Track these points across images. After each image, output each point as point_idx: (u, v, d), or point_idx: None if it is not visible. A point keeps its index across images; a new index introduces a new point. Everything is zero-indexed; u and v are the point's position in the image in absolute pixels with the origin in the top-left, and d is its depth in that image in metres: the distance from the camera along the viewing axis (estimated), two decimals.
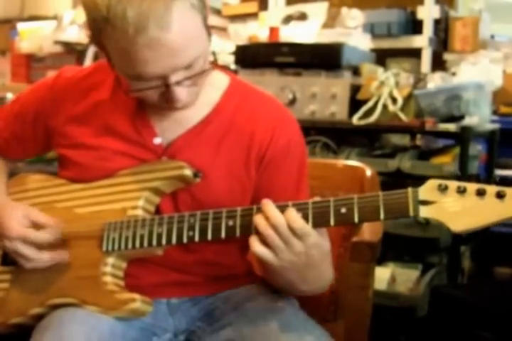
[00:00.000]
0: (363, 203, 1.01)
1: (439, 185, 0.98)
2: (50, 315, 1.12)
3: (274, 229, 1.02)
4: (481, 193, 0.95)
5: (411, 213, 0.98)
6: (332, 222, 1.02)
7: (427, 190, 0.99)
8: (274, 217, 1.02)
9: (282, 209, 1.03)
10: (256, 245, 1.03)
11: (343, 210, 1.01)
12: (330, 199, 1.03)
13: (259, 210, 1.05)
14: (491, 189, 0.95)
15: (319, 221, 1.03)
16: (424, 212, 0.98)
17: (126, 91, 1.12)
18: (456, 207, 0.96)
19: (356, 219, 1.01)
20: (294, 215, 1.02)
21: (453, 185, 0.97)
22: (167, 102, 1.11)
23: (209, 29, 1.09)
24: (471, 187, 0.96)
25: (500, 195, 0.94)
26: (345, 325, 1.40)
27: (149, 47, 1.00)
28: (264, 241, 1.03)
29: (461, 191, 0.96)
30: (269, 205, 1.04)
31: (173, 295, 1.24)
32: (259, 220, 1.03)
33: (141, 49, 1.00)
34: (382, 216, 0.99)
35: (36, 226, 1.20)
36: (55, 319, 1.10)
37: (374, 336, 1.43)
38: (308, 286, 1.14)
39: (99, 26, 1.02)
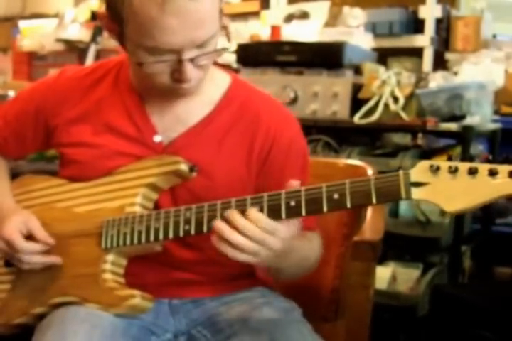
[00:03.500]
0: (355, 188, 1.00)
1: (431, 166, 0.96)
2: (51, 314, 1.13)
3: (244, 235, 1.00)
4: (473, 172, 0.93)
5: (403, 195, 0.97)
6: (325, 209, 1.01)
7: (418, 172, 0.97)
8: (242, 226, 1.00)
9: (242, 209, 1.03)
10: (235, 254, 1.01)
11: (336, 196, 1.00)
12: (322, 186, 1.02)
13: (253, 200, 1.05)
14: (483, 167, 0.93)
15: (312, 208, 1.02)
16: (417, 194, 0.97)
17: (139, 64, 1.11)
18: (449, 188, 0.95)
19: (349, 205, 1.00)
20: (256, 216, 1.01)
21: (444, 165, 0.96)
22: (176, 81, 1.12)
23: (222, 16, 1.14)
24: (463, 166, 0.95)
25: (492, 173, 0.92)
26: (346, 324, 1.40)
27: (176, 14, 1.03)
28: (239, 249, 1.01)
29: (453, 171, 0.95)
30: (235, 215, 1.02)
31: (175, 295, 1.24)
32: (228, 232, 1.01)
33: (167, 17, 1.03)
34: (374, 200, 0.98)
35: (30, 236, 1.20)
36: (57, 318, 1.11)
37: (374, 335, 1.43)
38: (297, 269, 1.19)
39: None
